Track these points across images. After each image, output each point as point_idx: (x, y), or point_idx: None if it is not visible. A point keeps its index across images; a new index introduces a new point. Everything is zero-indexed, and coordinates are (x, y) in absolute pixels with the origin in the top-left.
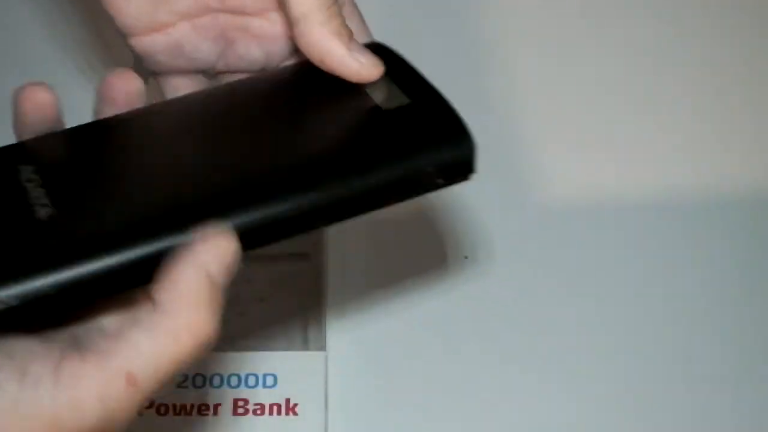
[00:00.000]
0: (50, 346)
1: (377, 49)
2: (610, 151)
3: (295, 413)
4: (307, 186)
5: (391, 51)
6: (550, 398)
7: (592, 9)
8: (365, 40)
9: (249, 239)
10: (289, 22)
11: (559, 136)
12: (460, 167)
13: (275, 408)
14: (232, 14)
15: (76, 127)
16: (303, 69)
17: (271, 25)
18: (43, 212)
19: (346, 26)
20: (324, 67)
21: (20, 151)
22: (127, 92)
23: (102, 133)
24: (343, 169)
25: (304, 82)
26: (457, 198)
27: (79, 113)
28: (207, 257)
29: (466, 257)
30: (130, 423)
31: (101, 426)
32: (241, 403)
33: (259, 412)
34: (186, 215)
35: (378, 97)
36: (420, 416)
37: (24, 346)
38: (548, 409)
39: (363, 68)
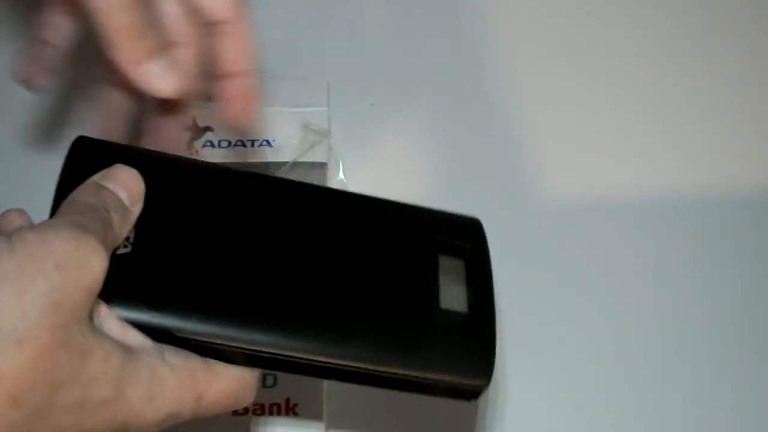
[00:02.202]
0: None
1: (475, 226)
2: (611, 151)
3: (295, 413)
4: (330, 342)
5: (481, 235)
6: (549, 398)
7: (593, 9)
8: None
9: (263, 362)
10: None
11: (559, 137)
12: (468, 395)
13: (275, 408)
14: None
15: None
16: (405, 217)
17: None
18: (121, 248)
19: (151, 43)
20: None
21: None
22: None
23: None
24: (369, 343)
25: (399, 232)
26: (457, 198)
27: None
28: None
29: None
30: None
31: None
32: None
33: (259, 412)
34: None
35: (445, 285)
36: (419, 416)
37: None
38: (548, 408)
39: (157, 92)
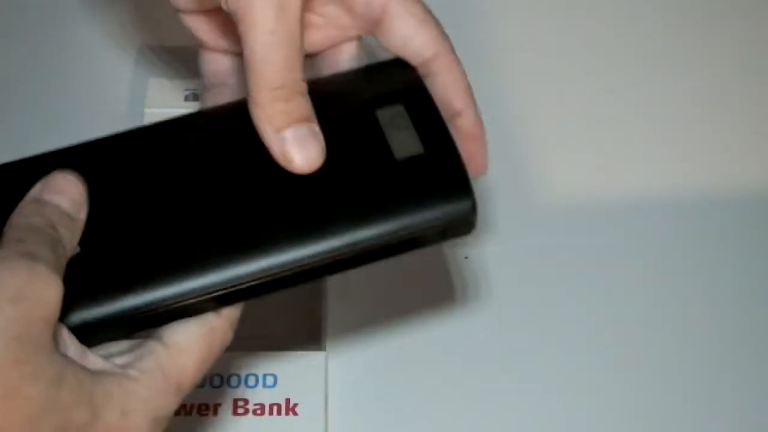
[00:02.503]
0: None
1: (399, 66)
2: (611, 151)
3: (295, 413)
4: (307, 239)
5: (413, 74)
6: (549, 396)
7: (592, 9)
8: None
9: (257, 290)
10: None
11: (559, 136)
12: (462, 227)
13: (275, 408)
14: None
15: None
16: (326, 91)
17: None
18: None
19: (295, 110)
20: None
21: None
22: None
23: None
24: (345, 223)
25: (326, 108)
26: None
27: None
28: None
29: (466, 257)
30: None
31: None
32: (241, 403)
33: (259, 412)
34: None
35: (393, 136)
36: (420, 416)
37: None
38: (547, 408)
39: (289, 163)
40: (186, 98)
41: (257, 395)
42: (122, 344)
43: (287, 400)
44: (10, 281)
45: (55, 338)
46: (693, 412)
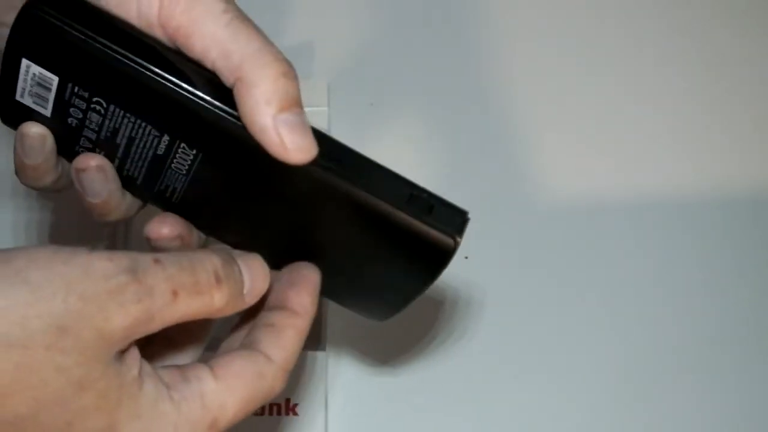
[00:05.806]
0: None
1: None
2: (611, 151)
3: (295, 413)
4: None
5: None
6: (550, 398)
7: (592, 8)
8: None
9: None
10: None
11: (559, 136)
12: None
13: (275, 408)
14: None
15: None
16: None
17: None
18: None
19: (294, 98)
20: (251, 133)
21: None
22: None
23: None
24: None
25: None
26: (457, 198)
27: None
28: None
29: (466, 257)
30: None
31: None
32: None
33: (259, 412)
34: None
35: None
36: (420, 416)
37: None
38: (548, 408)
39: (285, 149)
40: None
41: None
42: (179, 356)
43: (287, 400)
44: (97, 278)
45: (111, 349)
46: (693, 411)
